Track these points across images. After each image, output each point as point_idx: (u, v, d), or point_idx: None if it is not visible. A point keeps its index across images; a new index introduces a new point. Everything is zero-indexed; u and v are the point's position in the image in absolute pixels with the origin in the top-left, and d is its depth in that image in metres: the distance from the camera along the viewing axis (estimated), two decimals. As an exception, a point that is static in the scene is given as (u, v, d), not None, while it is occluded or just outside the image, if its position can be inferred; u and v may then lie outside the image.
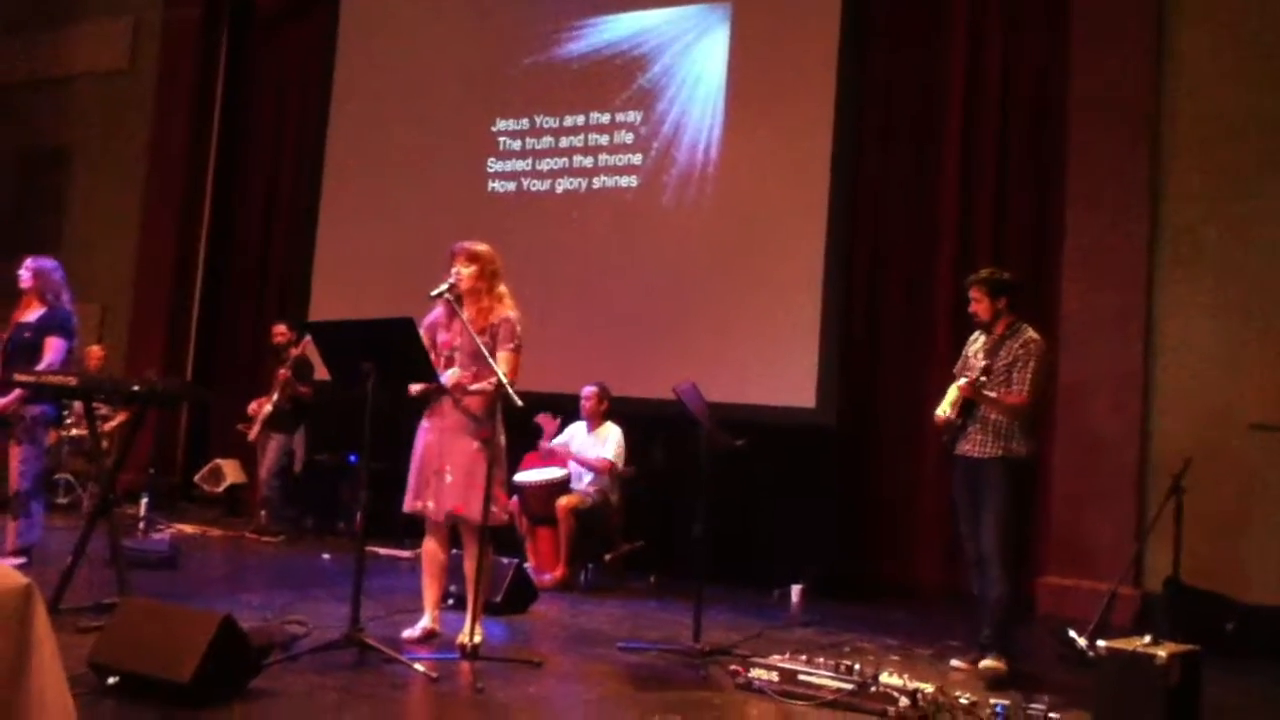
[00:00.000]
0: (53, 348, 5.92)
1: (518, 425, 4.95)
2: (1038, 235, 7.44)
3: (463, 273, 4.77)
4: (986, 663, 4.83)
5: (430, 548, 4.91)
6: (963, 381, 4.95)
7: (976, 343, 5.17)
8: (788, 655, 4.53)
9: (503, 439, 4.81)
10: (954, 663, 5.07)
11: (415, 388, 4.77)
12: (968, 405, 4.98)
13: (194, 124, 10.78)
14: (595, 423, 7.21)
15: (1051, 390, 6.51)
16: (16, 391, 5.72)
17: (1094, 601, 5.74)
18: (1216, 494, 6.33)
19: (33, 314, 6.07)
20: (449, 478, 4.72)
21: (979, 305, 5.05)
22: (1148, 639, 4.30)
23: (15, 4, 11.77)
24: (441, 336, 4.82)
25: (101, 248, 11.06)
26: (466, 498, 4.66)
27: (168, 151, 10.83)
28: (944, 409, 5.06)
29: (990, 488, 4.92)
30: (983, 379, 4.88)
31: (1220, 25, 6.96)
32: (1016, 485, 4.99)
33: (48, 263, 6.14)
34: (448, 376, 4.69)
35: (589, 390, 7.24)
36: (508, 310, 4.82)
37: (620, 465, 7.09)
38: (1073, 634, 5.41)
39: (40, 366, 5.77)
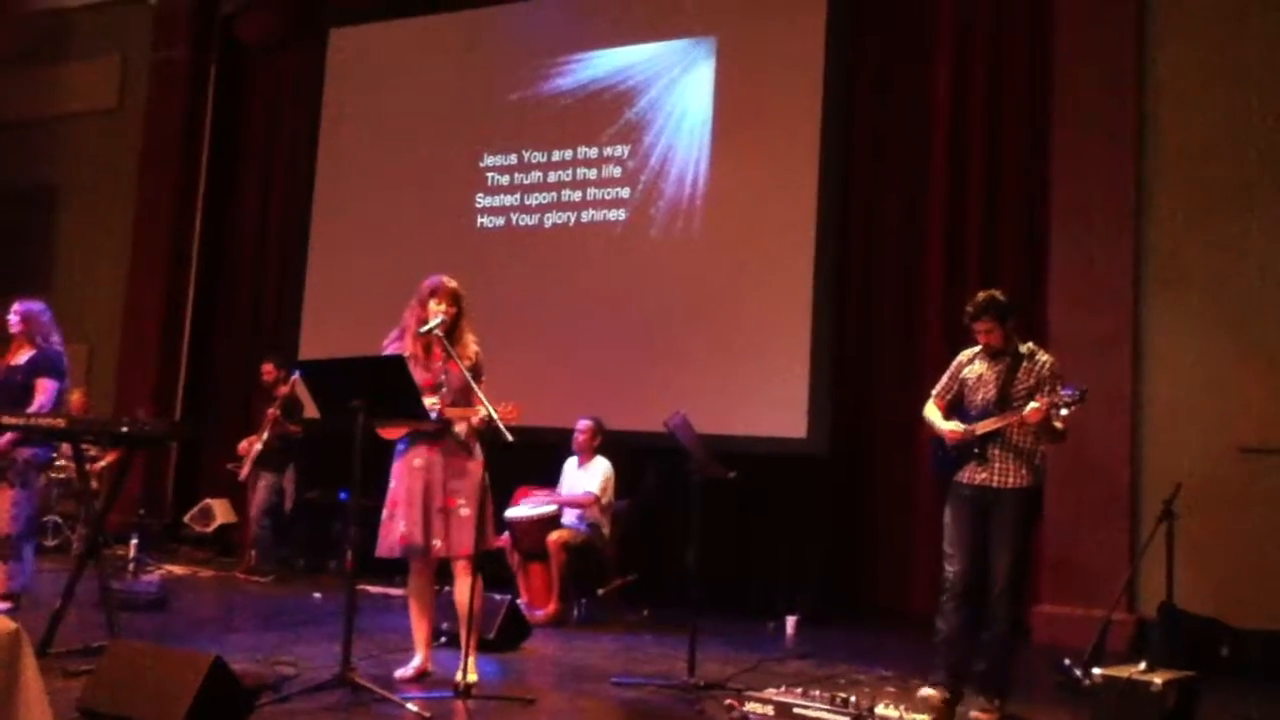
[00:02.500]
0: (44, 389, 5.89)
1: (506, 460, 4.93)
2: (1027, 259, 7.49)
3: (451, 311, 4.79)
4: (976, 713, 4.63)
5: (419, 584, 4.88)
6: (1034, 406, 4.51)
7: (974, 365, 4.91)
8: (783, 688, 4.50)
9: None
10: (923, 691, 4.69)
11: (396, 430, 4.76)
12: (987, 434, 4.71)
13: (182, 162, 10.81)
14: (586, 457, 7.20)
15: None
16: (9, 435, 5.68)
17: (1090, 628, 5.72)
18: (1209, 517, 6.33)
19: (23, 356, 6.04)
20: (464, 511, 4.69)
21: (993, 335, 4.79)
22: (1143, 666, 4.30)
23: (3, 43, 11.81)
24: (418, 374, 4.73)
25: (91, 286, 11.06)
26: (481, 531, 4.70)
27: (156, 190, 10.85)
28: (957, 426, 4.79)
29: (1008, 519, 4.67)
30: (1059, 401, 4.54)
31: (1200, 46, 7.04)
32: (1031, 516, 4.82)
33: (35, 305, 6.12)
34: (478, 416, 4.64)
35: (584, 424, 7.22)
36: (476, 345, 4.88)
37: (604, 498, 7.06)
38: (1068, 662, 5.39)
39: (31, 408, 5.73)
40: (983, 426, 4.73)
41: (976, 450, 4.74)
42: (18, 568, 5.86)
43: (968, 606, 4.74)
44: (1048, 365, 4.78)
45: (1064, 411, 4.55)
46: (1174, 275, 6.96)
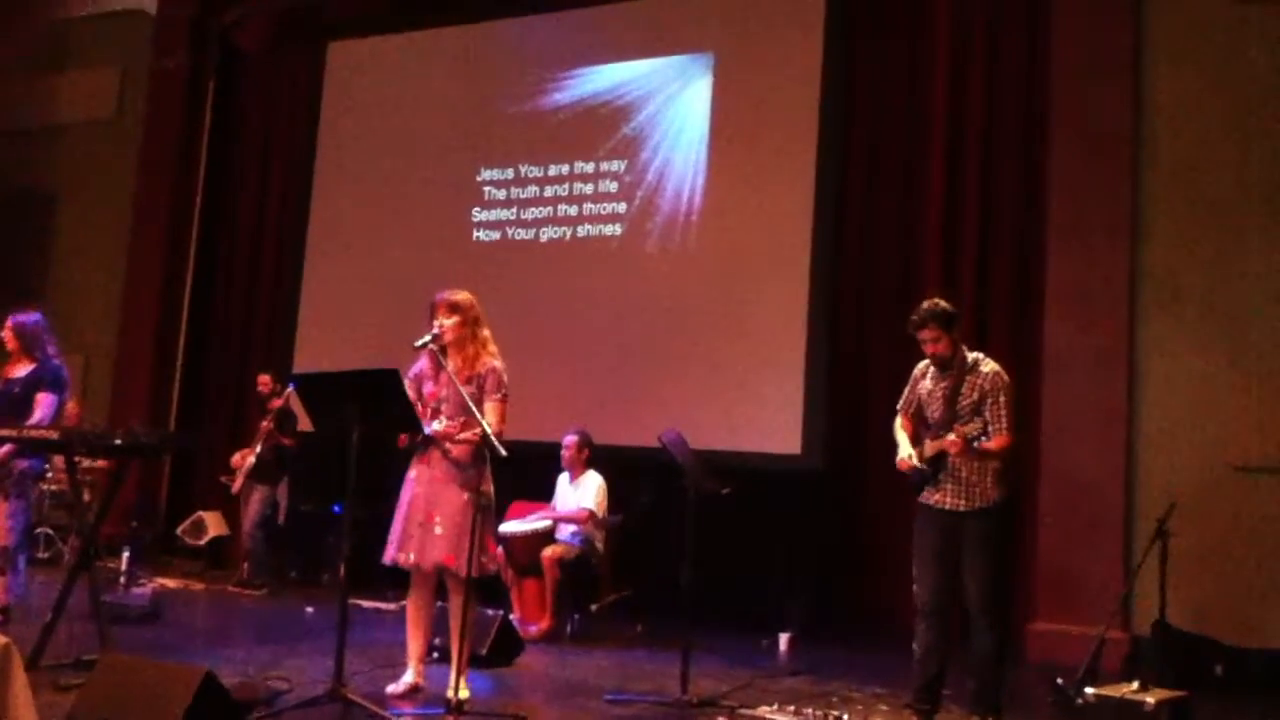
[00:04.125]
0: (43, 403, 5.84)
1: (503, 475, 4.92)
2: (1021, 276, 7.51)
3: (445, 324, 4.76)
4: None
5: (416, 600, 4.86)
6: (952, 436, 4.52)
7: (926, 379, 4.87)
8: (776, 705, 4.50)
9: (491, 489, 4.79)
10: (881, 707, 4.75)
11: (403, 438, 4.77)
12: (939, 455, 4.67)
13: (180, 172, 10.81)
14: (577, 471, 7.18)
15: (1030, 429, 6.50)
16: (6, 446, 5.65)
17: (1084, 645, 5.70)
18: (1203, 536, 6.33)
19: (22, 370, 5.99)
20: (438, 529, 4.67)
21: (939, 345, 4.71)
22: (1136, 685, 4.30)
23: (3, 53, 11.83)
24: (428, 388, 4.80)
25: (86, 296, 11.05)
26: (457, 549, 4.59)
27: (154, 199, 10.85)
28: (910, 455, 4.74)
29: (971, 542, 4.62)
30: (970, 433, 4.53)
31: (1198, 63, 7.07)
32: (999, 534, 4.73)
33: (28, 318, 6.05)
34: (434, 427, 4.69)
35: (569, 439, 7.21)
36: (493, 359, 4.81)
37: (600, 513, 7.04)
38: (1061, 680, 5.37)
39: (31, 421, 5.71)
40: (929, 450, 4.69)
41: (930, 470, 4.70)
42: (15, 580, 5.83)
43: (938, 625, 4.71)
44: (989, 377, 4.70)
45: (981, 442, 4.52)
46: (1169, 293, 6.97)
